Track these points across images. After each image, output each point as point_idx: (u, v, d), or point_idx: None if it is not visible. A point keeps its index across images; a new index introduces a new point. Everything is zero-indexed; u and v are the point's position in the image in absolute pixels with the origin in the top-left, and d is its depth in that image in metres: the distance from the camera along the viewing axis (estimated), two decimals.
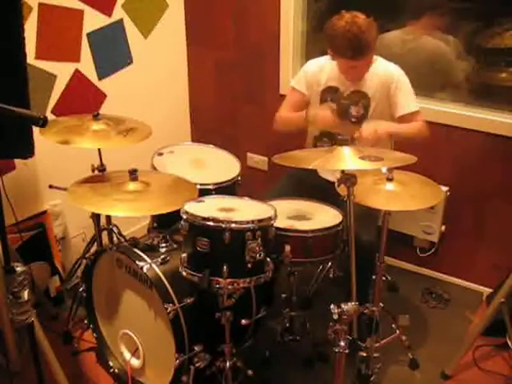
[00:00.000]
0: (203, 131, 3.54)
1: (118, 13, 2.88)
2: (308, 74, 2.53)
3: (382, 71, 2.39)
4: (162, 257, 2.03)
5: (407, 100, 2.38)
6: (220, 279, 1.80)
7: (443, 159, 2.81)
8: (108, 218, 2.55)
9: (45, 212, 2.68)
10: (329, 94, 2.49)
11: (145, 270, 1.96)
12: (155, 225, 2.36)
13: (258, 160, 3.40)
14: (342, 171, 1.77)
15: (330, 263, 2.75)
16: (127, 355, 2.18)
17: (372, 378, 2.20)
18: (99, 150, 2.38)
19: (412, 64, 2.80)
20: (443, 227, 2.89)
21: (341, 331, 1.66)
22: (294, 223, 2.13)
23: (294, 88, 2.58)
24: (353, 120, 2.45)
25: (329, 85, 2.48)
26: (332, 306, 1.66)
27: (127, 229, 2.87)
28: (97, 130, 2.23)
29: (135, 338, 2.13)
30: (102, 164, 2.40)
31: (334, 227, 2.10)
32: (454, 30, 2.78)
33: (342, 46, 2.23)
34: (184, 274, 1.89)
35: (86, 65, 2.78)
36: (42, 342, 1.86)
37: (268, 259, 1.91)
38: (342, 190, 1.92)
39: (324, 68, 2.48)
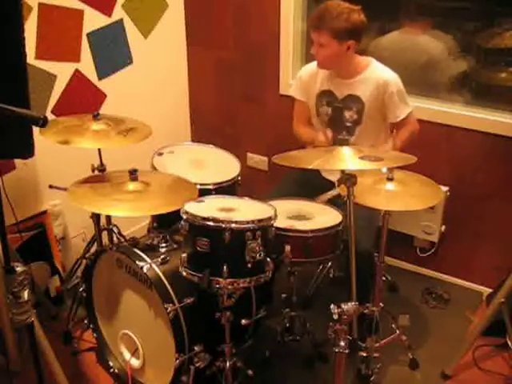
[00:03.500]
0: (203, 131, 3.54)
1: (118, 13, 2.88)
2: (303, 80, 2.56)
3: (377, 76, 2.39)
4: (162, 257, 2.03)
5: (401, 107, 2.40)
6: (220, 279, 1.80)
7: (443, 159, 2.81)
8: (108, 218, 2.55)
9: (45, 212, 2.68)
10: (324, 97, 2.50)
11: (145, 270, 1.96)
12: (155, 225, 2.36)
13: (258, 160, 3.40)
14: (342, 171, 1.77)
15: (329, 263, 2.75)
16: (127, 355, 2.18)
17: (372, 378, 2.21)
18: (99, 149, 2.37)
19: (410, 64, 2.81)
20: (443, 227, 2.89)
21: (341, 331, 1.66)
22: (294, 223, 2.12)
23: (294, 98, 2.63)
24: (347, 124, 2.46)
25: (323, 89, 2.49)
26: (332, 306, 1.66)
27: (127, 229, 2.87)
28: (97, 130, 2.22)
29: (135, 338, 2.13)
30: (101, 164, 2.40)
31: (333, 227, 2.10)
32: (454, 29, 2.78)
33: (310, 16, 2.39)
34: (184, 274, 1.89)
35: (86, 65, 2.78)
36: (41, 342, 1.86)
37: (268, 259, 1.91)
38: (342, 189, 1.92)
39: (318, 72, 2.49)
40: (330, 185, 2.46)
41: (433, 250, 3.00)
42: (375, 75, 2.39)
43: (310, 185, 2.48)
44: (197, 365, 1.99)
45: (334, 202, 2.28)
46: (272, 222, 1.88)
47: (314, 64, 2.50)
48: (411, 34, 2.87)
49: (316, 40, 2.32)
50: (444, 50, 2.81)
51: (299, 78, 2.58)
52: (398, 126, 2.46)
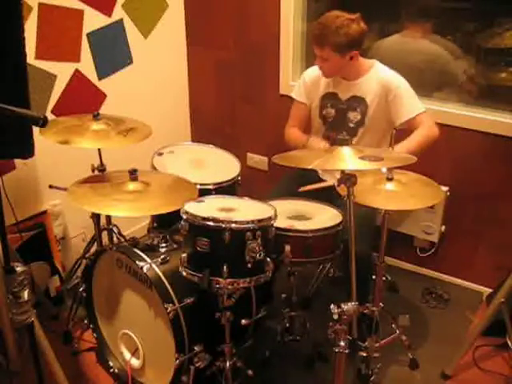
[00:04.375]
0: (203, 131, 3.54)
1: (118, 13, 2.88)
2: (307, 83, 2.56)
3: (380, 78, 2.39)
4: (162, 257, 2.03)
5: (409, 105, 2.37)
6: (220, 279, 1.80)
7: (443, 159, 2.81)
8: (108, 218, 2.55)
9: (45, 212, 2.68)
10: (328, 100, 2.50)
11: (145, 270, 1.96)
12: (155, 225, 2.36)
13: (257, 160, 3.40)
14: (342, 171, 1.77)
15: (330, 263, 2.75)
16: (127, 355, 2.18)
17: (372, 378, 2.21)
18: (99, 150, 2.38)
19: (410, 67, 2.80)
20: (443, 227, 2.89)
21: (341, 331, 1.66)
22: (294, 223, 2.12)
23: (295, 99, 2.62)
24: (351, 126, 2.46)
25: (327, 91, 2.50)
26: (332, 306, 1.66)
27: (127, 229, 2.87)
28: (97, 130, 2.22)
29: (135, 338, 2.13)
30: (102, 164, 2.40)
31: (333, 227, 2.10)
32: (454, 30, 2.79)
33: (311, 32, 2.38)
34: (184, 274, 1.89)
35: (86, 65, 2.78)
36: (41, 342, 1.86)
37: (268, 259, 1.91)
38: (342, 189, 1.92)
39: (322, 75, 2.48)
40: (328, 186, 2.45)
41: (433, 250, 3.00)
42: (379, 76, 2.39)
43: (309, 185, 2.48)
44: (197, 365, 1.99)
45: (334, 203, 2.28)
46: (272, 222, 1.88)
47: (317, 67, 2.50)
48: (412, 37, 2.87)
49: (318, 55, 2.34)
50: (443, 54, 2.81)
51: (303, 80, 2.57)
52: (409, 128, 2.41)
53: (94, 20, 2.76)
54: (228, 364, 2.02)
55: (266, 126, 3.30)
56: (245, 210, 1.96)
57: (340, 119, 2.47)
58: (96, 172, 2.39)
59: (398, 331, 2.40)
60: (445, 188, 2.73)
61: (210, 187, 2.25)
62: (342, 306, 1.65)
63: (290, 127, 2.65)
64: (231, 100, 3.40)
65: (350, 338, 1.70)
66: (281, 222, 2.02)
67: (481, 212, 2.81)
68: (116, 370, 2.29)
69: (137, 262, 1.99)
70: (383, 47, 2.92)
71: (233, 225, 1.79)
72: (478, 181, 2.76)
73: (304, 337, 2.43)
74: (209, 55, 3.34)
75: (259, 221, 1.82)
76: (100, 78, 2.87)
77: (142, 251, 2.05)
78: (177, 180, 2.19)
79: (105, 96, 2.91)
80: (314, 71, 2.54)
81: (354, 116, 2.45)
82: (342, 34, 2.23)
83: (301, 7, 3.01)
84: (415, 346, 2.49)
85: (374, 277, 2.26)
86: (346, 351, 1.69)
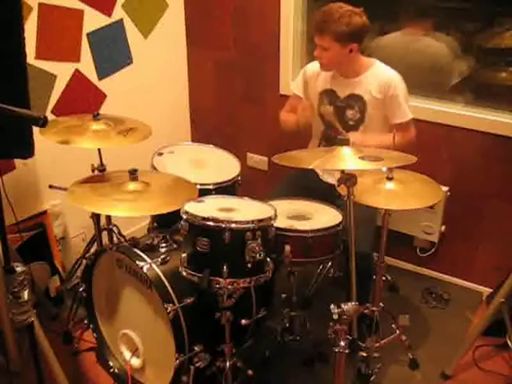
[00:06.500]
0: (203, 131, 3.54)
1: (118, 13, 2.88)
2: (306, 77, 2.57)
3: (380, 76, 2.39)
4: (162, 257, 2.03)
5: (404, 108, 2.40)
6: (220, 279, 1.80)
7: (443, 159, 2.81)
8: (108, 218, 2.55)
9: (45, 212, 2.68)
10: (326, 96, 2.50)
11: (145, 269, 1.96)
12: (155, 225, 2.36)
13: (257, 160, 3.40)
14: (342, 171, 1.77)
15: (330, 263, 2.75)
16: (127, 355, 2.18)
17: (372, 378, 2.21)
18: (99, 150, 2.38)
19: (411, 65, 2.80)
20: (443, 227, 2.89)
21: (341, 331, 1.66)
22: (294, 223, 2.13)
23: (293, 90, 2.65)
24: (350, 123, 2.46)
25: (326, 87, 2.50)
26: (332, 306, 1.66)
27: (127, 229, 2.87)
28: (97, 130, 2.22)
29: (135, 338, 2.13)
30: (102, 164, 2.40)
31: (333, 227, 2.10)
32: (454, 30, 2.79)
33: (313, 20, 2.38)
34: (184, 273, 1.89)
35: (86, 65, 2.78)
36: (42, 342, 1.86)
37: (268, 259, 1.91)
38: (342, 189, 1.92)
39: (321, 71, 2.48)
40: (329, 187, 2.46)
41: (433, 250, 3.00)
42: (378, 75, 2.40)
43: (310, 186, 2.48)
44: (197, 365, 1.99)
45: (335, 202, 2.28)
46: (272, 222, 1.88)
47: (317, 63, 2.50)
48: (413, 35, 2.87)
49: (319, 43, 2.33)
50: (445, 51, 2.81)
51: (304, 75, 2.59)
52: (397, 129, 2.43)
53: (94, 20, 2.76)
54: (228, 364, 2.02)
55: (265, 126, 3.29)
56: (245, 210, 1.96)
57: (339, 117, 2.47)
58: (96, 172, 2.39)
59: (398, 331, 2.40)
60: (445, 188, 2.73)
61: (210, 187, 2.25)
62: (342, 305, 1.65)
63: (282, 112, 2.68)
64: (231, 100, 3.40)
65: (350, 337, 1.70)
66: (281, 222, 2.02)
67: (481, 212, 2.81)
68: (116, 370, 2.29)
69: (137, 262, 1.98)
70: (382, 45, 2.92)
71: (233, 225, 1.79)
72: (477, 181, 2.76)
73: (304, 337, 2.43)
74: (209, 55, 3.34)
75: (259, 221, 1.82)
76: (100, 78, 2.87)
77: (142, 251, 2.05)
78: (177, 180, 2.19)
79: (105, 96, 2.91)
80: (314, 66, 2.54)
81: (353, 114, 2.45)
82: (344, 24, 2.24)
83: (301, 7, 3.01)
84: (415, 346, 2.49)
85: (374, 277, 2.26)
86: (346, 351, 1.69)
